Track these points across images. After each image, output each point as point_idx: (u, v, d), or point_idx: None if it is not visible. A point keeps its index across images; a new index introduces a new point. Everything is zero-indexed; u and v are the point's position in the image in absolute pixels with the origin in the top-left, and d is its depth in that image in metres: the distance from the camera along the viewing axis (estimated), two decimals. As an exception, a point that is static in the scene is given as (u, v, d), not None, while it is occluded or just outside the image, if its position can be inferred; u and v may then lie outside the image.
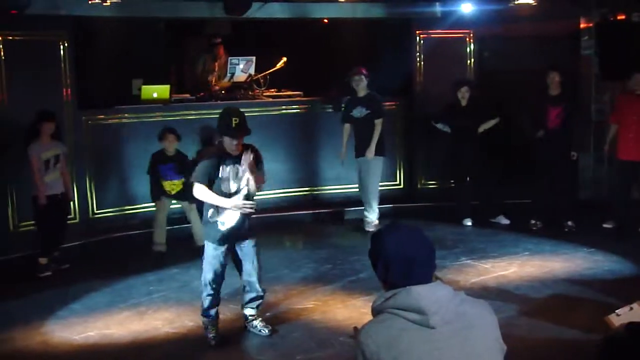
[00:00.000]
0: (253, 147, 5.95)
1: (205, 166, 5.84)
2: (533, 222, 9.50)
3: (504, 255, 8.36)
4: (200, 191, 5.83)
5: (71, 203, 9.23)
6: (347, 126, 9.73)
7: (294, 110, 10.88)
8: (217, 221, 5.89)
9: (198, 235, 8.64)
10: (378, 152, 9.59)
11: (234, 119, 5.74)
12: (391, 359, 2.44)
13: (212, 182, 5.81)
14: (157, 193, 8.78)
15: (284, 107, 10.91)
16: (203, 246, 6.10)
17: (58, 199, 8.35)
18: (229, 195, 5.84)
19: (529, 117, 9.46)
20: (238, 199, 5.82)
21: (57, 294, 7.56)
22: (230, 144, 5.78)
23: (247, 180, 5.87)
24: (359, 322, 2.89)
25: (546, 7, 9.78)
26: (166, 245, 8.82)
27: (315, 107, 10.94)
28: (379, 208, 9.76)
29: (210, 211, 5.90)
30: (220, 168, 5.80)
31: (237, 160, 5.83)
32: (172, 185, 8.73)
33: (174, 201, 8.88)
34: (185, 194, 8.43)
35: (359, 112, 9.61)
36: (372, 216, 9.72)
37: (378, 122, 9.59)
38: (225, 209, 5.83)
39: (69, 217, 9.25)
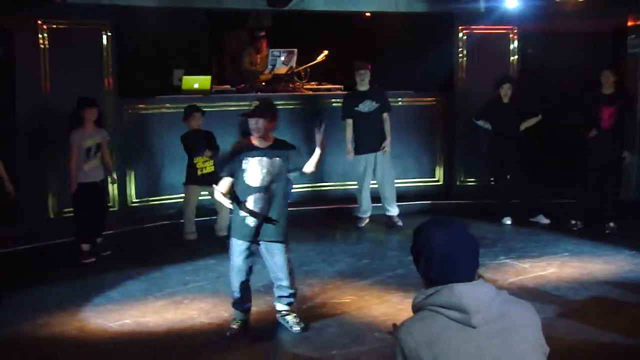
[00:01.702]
0: (291, 145, 5.93)
1: (225, 157, 5.86)
2: (574, 222, 9.35)
3: (543, 255, 8.25)
4: (218, 189, 5.86)
5: (110, 191, 9.32)
6: (349, 122, 9.51)
7: (334, 103, 10.82)
8: (241, 215, 5.84)
9: (222, 224, 8.75)
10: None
11: (254, 103, 5.84)
12: (431, 357, 2.40)
13: (234, 173, 5.80)
14: (190, 176, 8.80)
15: (324, 100, 10.86)
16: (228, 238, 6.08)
17: (97, 187, 8.40)
18: (254, 189, 5.78)
19: (581, 116, 9.28)
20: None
21: (94, 281, 7.62)
22: (250, 125, 5.77)
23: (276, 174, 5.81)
24: (395, 319, 2.85)
25: (592, 4, 9.63)
26: (197, 233, 8.88)
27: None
28: (415, 204, 9.68)
29: (239, 205, 5.85)
30: (244, 160, 5.77)
31: (266, 152, 5.79)
32: (205, 162, 8.76)
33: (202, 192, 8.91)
34: (214, 176, 8.45)
35: (366, 106, 9.46)
36: (396, 210, 9.70)
37: (388, 116, 9.55)
38: (251, 203, 5.78)
39: (108, 205, 9.35)
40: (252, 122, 5.75)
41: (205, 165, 8.78)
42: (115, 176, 8.80)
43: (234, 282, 6.00)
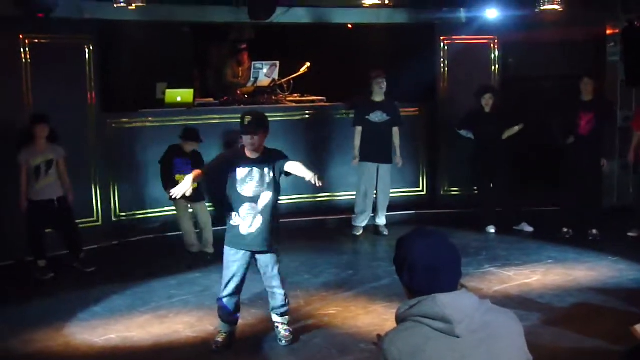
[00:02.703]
0: (275, 151, 5.94)
1: (216, 158, 5.90)
2: (565, 230, 9.40)
3: (527, 263, 8.30)
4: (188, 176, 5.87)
5: (94, 205, 9.27)
6: (359, 129, 9.60)
7: (316, 115, 10.85)
8: (234, 224, 5.87)
9: (207, 240, 8.78)
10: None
11: (246, 117, 5.81)
12: (415, 367, 2.41)
13: (225, 180, 5.82)
14: (168, 182, 8.71)
15: (307, 112, 10.89)
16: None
17: (54, 205, 8.24)
18: (246, 198, 5.80)
19: (559, 123, 9.36)
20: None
21: (79, 296, 7.58)
22: (244, 141, 5.79)
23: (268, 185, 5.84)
24: (380, 329, 2.87)
25: (572, 13, 9.71)
26: (198, 245, 8.83)
27: (338, 113, 10.91)
28: (399, 215, 9.73)
29: (231, 214, 5.88)
30: (236, 169, 5.79)
31: (256, 163, 5.82)
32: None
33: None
34: (199, 194, 8.53)
35: (377, 116, 9.55)
36: (384, 220, 9.83)
37: (397, 130, 9.67)
38: (244, 212, 5.81)
39: (91, 219, 9.32)
40: (248, 138, 5.77)
41: None
42: (71, 196, 8.39)
43: (225, 290, 5.99)
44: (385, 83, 9.52)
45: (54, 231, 8.41)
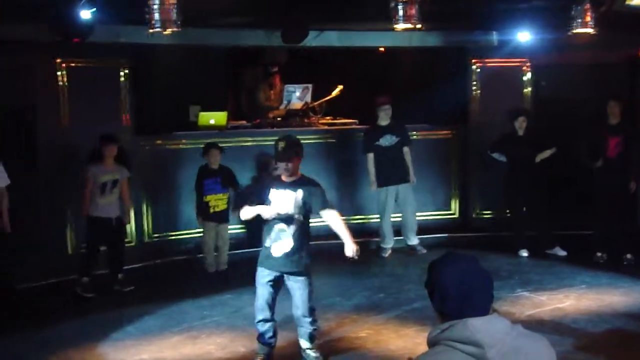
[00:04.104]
0: (313, 182, 6.00)
1: (254, 187, 5.94)
2: (599, 254, 9.27)
3: (560, 288, 8.21)
4: (243, 212, 5.95)
5: (128, 226, 9.39)
6: (370, 156, 9.74)
7: (348, 138, 10.88)
8: (267, 245, 5.92)
9: (224, 260, 9.02)
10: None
11: (280, 143, 5.94)
12: (446, 391, 2.41)
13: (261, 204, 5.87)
14: (202, 211, 8.92)
15: (339, 134, 10.93)
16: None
17: (111, 223, 8.43)
18: (278, 220, 5.85)
19: (587, 147, 9.32)
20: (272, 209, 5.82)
21: (112, 315, 7.66)
22: (279, 168, 5.87)
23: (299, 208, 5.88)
24: (412, 353, 2.87)
25: (604, 36, 9.65)
26: (215, 266, 9.01)
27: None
28: (431, 238, 9.74)
29: (264, 236, 5.93)
30: (271, 190, 5.85)
31: (291, 187, 5.86)
32: (217, 200, 8.86)
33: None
34: (226, 216, 8.83)
35: (387, 140, 9.71)
36: (417, 240, 9.93)
37: (408, 149, 9.80)
38: (275, 233, 5.86)
39: (126, 240, 9.42)
40: (282, 165, 5.85)
41: (218, 203, 8.87)
42: (130, 216, 8.82)
43: (258, 312, 6.03)
44: (390, 110, 9.72)
45: (105, 249, 8.54)
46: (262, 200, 5.87)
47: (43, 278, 8.74)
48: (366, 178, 10.57)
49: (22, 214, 8.46)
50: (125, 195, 8.58)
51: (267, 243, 5.92)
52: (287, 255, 5.88)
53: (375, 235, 10.21)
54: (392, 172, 9.71)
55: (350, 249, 5.91)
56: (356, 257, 5.94)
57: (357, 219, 10.84)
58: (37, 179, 9.18)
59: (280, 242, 5.87)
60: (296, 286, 6.00)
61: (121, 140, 8.52)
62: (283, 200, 5.84)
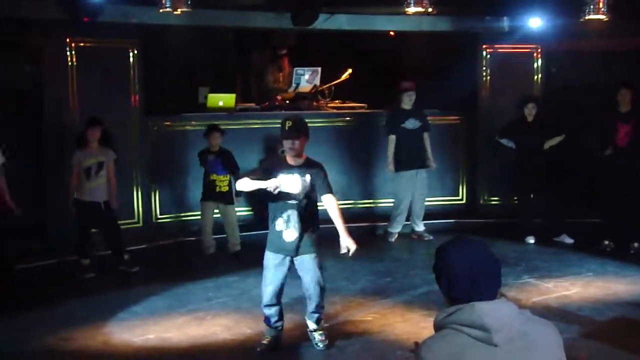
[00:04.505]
0: (317, 165, 5.97)
1: (262, 165, 5.92)
2: (607, 242, 9.23)
3: (567, 275, 8.20)
4: (241, 181, 5.91)
5: (135, 207, 9.41)
6: (393, 137, 9.69)
7: (357, 122, 10.86)
8: (276, 229, 5.91)
9: (235, 241, 9.00)
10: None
11: (287, 122, 5.84)
12: (452, 375, 2.41)
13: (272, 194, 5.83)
14: (207, 188, 8.96)
15: (347, 118, 10.91)
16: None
17: (99, 207, 8.38)
18: (288, 204, 5.85)
19: (597, 135, 9.28)
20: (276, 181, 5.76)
21: (119, 296, 7.70)
22: (285, 146, 5.83)
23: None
24: (417, 337, 2.86)
25: (616, 23, 9.59)
26: (215, 248, 9.08)
27: (378, 120, 10.91)
28: (438, 223, 9.77)
29: (272, 219, 5.92)
30: (279, 174, 5.81)
31: (298, 169, 5.85)
32: (220, 181, 8.92)
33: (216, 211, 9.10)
34: (230, 197, 8.88)
35: (412, 124, 9.69)
36: (423, 226, 9.96)
37: (427, 135, 9.80)
38: (285, 217, 5.85)
39: (132, 220, 9.46)
40: (288, 143, 5.81)
41: (220, 184, 8.89)
42: (116, 200, 8.50)
43: (265, 296, 6.03)
44: (414, 95, 9.66)
45: (99, 232, 8.55)
46: (268, 179, 5.84)
47: (48, 258, 8.78)
48: (376, 162, 10.65)
49: (27, 195, 8.47)
50: (112, 178, 8.45)
51: (277, 227, 5.89)
52: (298, 239, 5.88)
53: (385, 219, 10.19)
54: (413, 157, 9.70)
55: (346, 245, 5.83)
56: (350, 255, 5.87)
57: (365, 203, 10.88)
58: (42, 160, 9.19)
59: (291, 226, 5.86)
60: (306, 268, 5.99)
61: (105, 123, 8.41)
62: (291, 183, 5.83)
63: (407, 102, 9.68)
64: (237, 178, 8.61)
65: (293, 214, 5.86)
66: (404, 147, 9.66)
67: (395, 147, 9.67)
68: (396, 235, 9.94)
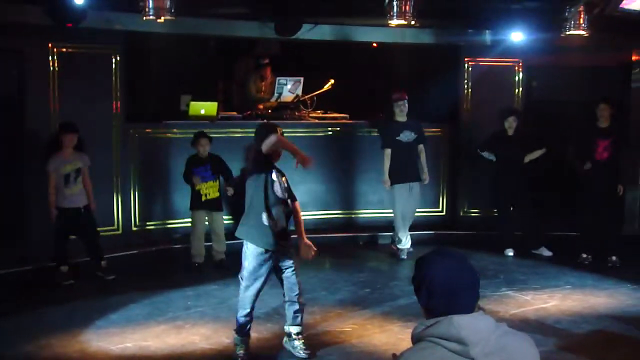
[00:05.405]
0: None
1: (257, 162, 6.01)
2: (584, 256, 9.32)
3: (545, 288, 8.25)
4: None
5: (115, 214, 9.37)
6: (388, 151, 9.55)
7: (339, 132, 10.88)
8: (265, 224, 5.91)
9: (222, 249, 9.00)
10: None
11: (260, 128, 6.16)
12: (429, 388, 2.42)
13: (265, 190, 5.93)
14: (193, 200, 8.95)
15: (329, 128, 10.93)
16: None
17: (81, 213, 8.37)
18: (280, 200, 5.96)
19: (576, 149, 9.36)
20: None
21: (97, 303, 7.65)
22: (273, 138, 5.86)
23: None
24: (396, 348, 2.88)
25: (597, 38, 9.69)
26: (204, 257, 9.03)
27: (360, 130, 10.94)
28: (418, 234, 9.83)
29: (264, 215, 5.92)
30: (272, 172, 5.96)
31: (279, 172, 6.04)
32: (209, 188, 8.90)
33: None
34: (219, 204, 8.89)
35: (406, 136, 9.54)
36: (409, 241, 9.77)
37: (423, 147, 9.67)
38: (277, 213, 5.94)
39: (111, 227, 9.40)
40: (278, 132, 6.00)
41: (209, 191, 8.88)
42: (93, 204, 8.50)
43: (247, 303, 6.00)
44: (406, 105, 9.53)
45: (77, 238, 8.50)
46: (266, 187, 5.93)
47: (26, 264, 8.69)
48: (357, 172, 10.70)
49: (6, 200, 8.40)
50: (88, 183, 8.43)
51: (264, 220, 5.91)
52: (282, 236, 5.97)
53: (365, 230, 10.20)
54: (408, 169, 9.55)
55: (306, 250, 6.01)
56: (309, 258, 6.05)
57: (346, 213, 10.87)
58: (22, 165, 9.12)
59: (280, 221, 5.94)
60: (289, 267, 6.05)
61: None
62: (280, 184, 5.99)
63: (399, 113, 9.53)
64: (230, 183, 8.68)
65: (282, 209, 6.02)
66: (399, 160, 9.50)
67: (391, 160, 9.53)
68: (406, 252, 9.61)
